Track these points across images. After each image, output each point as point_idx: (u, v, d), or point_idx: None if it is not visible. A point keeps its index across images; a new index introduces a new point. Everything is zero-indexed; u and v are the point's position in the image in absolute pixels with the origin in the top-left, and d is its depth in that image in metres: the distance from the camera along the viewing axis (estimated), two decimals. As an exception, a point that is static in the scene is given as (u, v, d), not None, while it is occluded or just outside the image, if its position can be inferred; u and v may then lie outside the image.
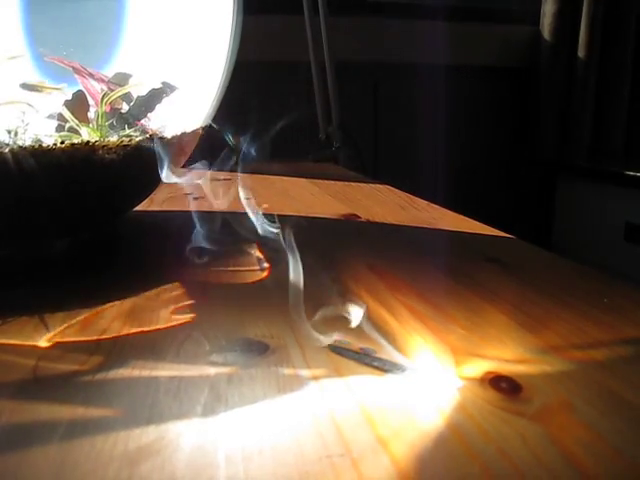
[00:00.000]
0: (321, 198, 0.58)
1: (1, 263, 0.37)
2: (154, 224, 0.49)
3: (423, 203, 0.54)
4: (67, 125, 0.37)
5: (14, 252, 0.39)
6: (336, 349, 0.22)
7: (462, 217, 0.48)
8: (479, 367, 0.21)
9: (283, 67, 1.23)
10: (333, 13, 1.19)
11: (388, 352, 0.22)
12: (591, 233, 1.50)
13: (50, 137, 0.38)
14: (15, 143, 0.34)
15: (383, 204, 0.55)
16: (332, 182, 0.69)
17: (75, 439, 0.17)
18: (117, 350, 0.23)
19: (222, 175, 0.75)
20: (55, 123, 0.40)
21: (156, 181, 0.42)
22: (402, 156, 1.56)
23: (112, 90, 0.43)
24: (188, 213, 0.52)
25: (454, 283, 0.31)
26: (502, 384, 0.19)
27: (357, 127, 1.27)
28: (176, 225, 0.49)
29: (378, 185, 0.66)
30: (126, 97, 0.43)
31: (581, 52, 1.72)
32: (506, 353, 0.22)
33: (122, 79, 0.44)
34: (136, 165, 0.37)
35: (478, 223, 0.45)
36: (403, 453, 0.16)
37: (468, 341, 0.23)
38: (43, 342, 0.24)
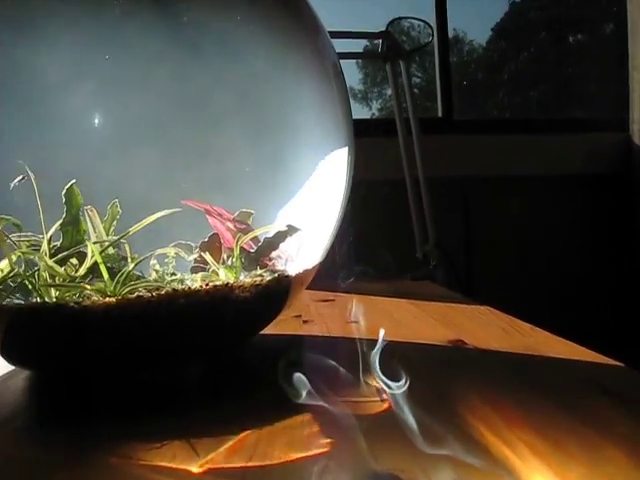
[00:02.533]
0: (425, 321, 0.61)
1: (145, 386, 0.42)
2: (270, 348, 0.53)
3: (526, 327, 0.56)
4: (208, 267, 0.43)
5: (155, 375, 0.43)
6: (465, 485, 0.24)
7: (567, 342, 0.49)
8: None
9: (378, 186, 1.30)
10: (424, 132, 1.26)
11: (514, 489, 0.24)
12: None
13: (189, 275, 0.44)
14: (169, 284, 0.39)
15: (486, 328, 0.57)
16: (433, 303, 0.72)
17: None
18: (266, 477, 0.26)
19: (326, 295, 0.80)
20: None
21: (278, 312, 0.46)
22: (496, 271, 1.56)
23: (237, 228, 0.49)
24: (301, 337, 0.56)
25: (569, 417, 0.32)
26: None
27: (449, 242, 1.30)
28: (291, 350, 0.53)
29: (478, 306, 0.68)
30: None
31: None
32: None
33: (245, 217, 0.50)
34: (265, 300, 0.42)
35: (585, 349, 0.46)
36: None
37: (590, 480, 0.25)
38: (196, 468, 0.28)
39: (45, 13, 0.47)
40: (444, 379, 0.41)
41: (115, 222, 0.46)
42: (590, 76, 2.33)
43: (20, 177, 0.41)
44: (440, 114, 1.76)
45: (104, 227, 0.46)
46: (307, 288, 0.55)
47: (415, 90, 1.98)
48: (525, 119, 2.05)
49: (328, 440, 0.30)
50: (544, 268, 1.54)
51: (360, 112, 2.21)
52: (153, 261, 0.47)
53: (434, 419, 0.33)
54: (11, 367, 0.47)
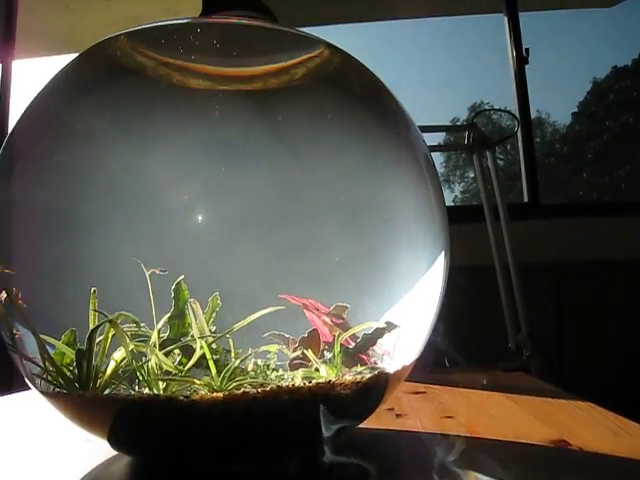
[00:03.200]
0: (523, 418, 0.59)
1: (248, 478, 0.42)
2: (366, 443, 0.53)
3: (635, 427, 0.53)
4: (310, 363, 0.44)
5: (257, 467, 0.44)
6: None
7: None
8: None
9: (468, 272, 1.28)
10: (512, 218, 1.26)
11: None
12: None
13: (290, 373, 0.45)
14: (273, 381, 0.41)
15: (591, 427, 0.54)
16: (529, 397, 0.70)
17: None
18: None
19: (417, 387, 0.79)
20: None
21: (376, 407, 0.46)
22: (591, 361, 1.49)
23: (334, 322, 0.50)
24: (396, 433, 0.55)
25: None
26: None
27: (542, 331, 1.26)
28: (388, 446, 0.53)
29: (579, 402, 0.65)
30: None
31: None
32: None
33: (341, 310, 0.51)
34: (363, 397, 0.42)
35: None
36: None
37: None
38: None
39: (158, 119, 0.51)
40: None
41: (214, 314, 0.49)
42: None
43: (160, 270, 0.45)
44: (526, 199, 1.75)
45: (205, 319, 0.48)
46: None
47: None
48: (613, 201, 2.00)
49: None
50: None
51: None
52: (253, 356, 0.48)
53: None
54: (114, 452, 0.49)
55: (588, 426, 0.55)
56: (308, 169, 0.54)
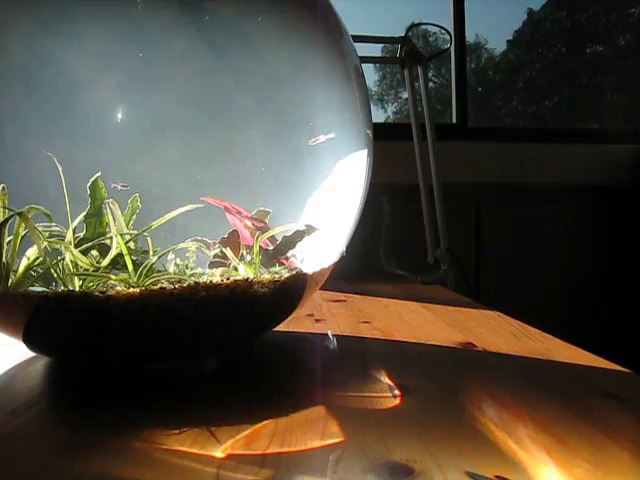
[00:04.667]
0: (436, 324, 0.62)
1: (162, 375, 0.43)
2: (284, 345, 0.54)
3: (535, 332, 0.57)
4: (228, 262, 0.44)
5: (173, 366, 0.45)
6: (474, 476, 0.25)
7: (576, 348, 0.50)
8: (607, 501, 0.23)
9: (390, 190, 1.31)
10: (438, 138, 1.27)
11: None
12: None
13: (209, 270, 0.46)
14: (191, 277, 0.41)
15: (496, 332, 0.58)
16: (443, 307, 0.73)
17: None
18: (283, 464, 0.28)
19: (337, 296, 0.81)
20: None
21: (294, 308, 0.48)
22: (506, 277, 1.57)
23: (255, 226, 0.51)
24: (314, 335, 0.57)
25: (574, 417, 0.33)
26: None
27: (460, 248, 1.31)
28: (305, 347, 0.54)
29: (488, 311, 0.69)
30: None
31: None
32: (631, 489, 0.24)
33: (263, 215, 0.52)
34: (282, 296, 0.43)
35: (593, 356, 0.47)
36: None
37: (593, 475, 0.26)
38: (218, 453, 0.29)
39: (74, 11, 0.48)
40: (454, 378, 0.42)
41: (134, 216, 0.48)
42: (606, 87, 2.33)
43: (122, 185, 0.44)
44: (455, 120, 1.77)
45: (124, 220, 0.48)
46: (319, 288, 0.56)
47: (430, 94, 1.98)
48: (539, 128, 2.06)
49: (342, 432, 0.32)
50: (555, 275, 1.54)
51: (376, 114, 2.22)
52: (172, 256, 0.48)
53: (445, 416, 0.34)
54: (31, 354, 0.49)
55: (493, 331, 0.58)
56: (234, 72, 0.53)
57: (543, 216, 1.64)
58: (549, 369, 0.45)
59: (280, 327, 0.50)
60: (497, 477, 0.25)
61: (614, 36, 2.34)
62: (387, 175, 1.34)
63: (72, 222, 0.44)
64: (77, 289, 0.41)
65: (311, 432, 0.32)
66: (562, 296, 1.55)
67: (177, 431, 0.32)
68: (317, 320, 0.64)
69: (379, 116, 2.32)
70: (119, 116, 0.49)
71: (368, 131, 0.51)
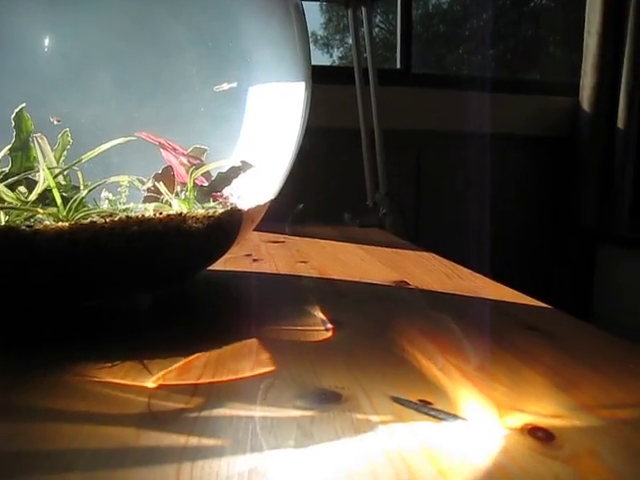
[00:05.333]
0: (371, 264, 0.63)
1: (96, 313, 0.43)
2: (221, 282, 0.54)
3: (466, 272, 0.59)
4: (162, 197, 0.43)
5: (106, 303, 0.44)
6: (398, 400, 0.27)
7: (503, 286, 0.52)
8: (519, 419, 0.25)
9: (332, 134, 1.30)
10: (382, 83, 1.27)
11: (442, 404, 0.26)
12: (632, 301, 1.50)
13: (142, 205, 0.45)
14: (123, 212, 0.40)
15: (429, 272, 0.59)
16: (379, 248, 0.74)
17: (193, 461, 0.22)
18: (214, 393, 0.28)
19: (276, 237, 0.82)
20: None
21: (229, 246, 0.48)
22: (443, 222, 1.60)
23: (191, 163, 0.50)
24: (250, 274, 0.58)
25: (496, 347, 0.35)
26: (539, 434, 0.23)
27: (400, 193, 1.32)
28: (241, 284, 0.55)
29: (423, 253, 0.71)
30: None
31: (620, 123, 1.76)
32: (542, 408, 0.26)
33: (199, 153, 0.51)
34: (216, 232, 0.43)
35: (518, 293, 0.49)
36: (459, 482, 0.20)
37: (509, 397, 0.27)
38: (150, 383, 0.29)
39: None
40: (385, 314, 0.44)
41: (65, 152, 0.46)
42: (548, 40, 2.36)
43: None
44: (399, 66, 1.76)
45: (54, 156, 0.46)
46: (258, 230, 0.56)
47: (376, 40, 1.97)
48: (480, 77, 2.07)
49: (274, 362, 0.32)
50: (490, 221, 1.58)
51: (321, 59, 2.19)
52: (105, 193, 0.47)
53: (374, 348, 0.35)
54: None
55: (427, 271, 0.60)
56: (169, 2, 0.51)
57: (483, 164, 1.67)
58: (476, 305, 0.47)
59: (217, 266, 0.50)
60: (420, 401, 0.27)
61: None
62: (331, 119, 1.34)
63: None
64: (2, 224, 0.39)
65: (243, 363, 0.32)
66: (499, 241, 1.60)
67: (109, 364, 0.32)
68: (255, 260, 0.65)
69: (324, 60, 2.28)
70: (46, 45, 0.47)
71: (306, 70, 0.51)
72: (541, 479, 0.20)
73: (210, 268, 0.50)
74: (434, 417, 0.25)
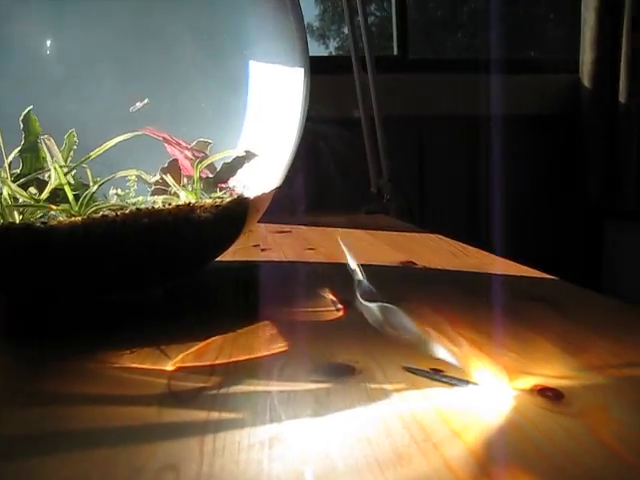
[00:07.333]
0: (378, 247, 0.64)
1: (110, 304, 0.44)
2: (231, 271, 0.55)
3: (473, 250, 0.59)
4: (170, 190, 0.44)
5: (121, 297, 0.45)
6: (411, 369, 0.27)
7: (509, 262, 0.53)
8: (528, 381, 0.26)
9: (335, 123, 1.31)
10: (380, 71, 1.27)
11: (453, 371, 0.27)
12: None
13: (150, 198, 0.46)
14: (134, 204, 0.41)
15: (436, 252, 0.60)
16: (386, 232, 0.75)
17: (215, 434, 0.22)
18: (231, 372, 0.29)
19: (282, 227, 0.82)
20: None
21: (237, 234, 0.48)
22: (447, 205, 1.61)
23: (196, 156, 0.51)
24: (260, 262, 0.59)
25: (504, 318, 0.36)
26: (548, 393, 0.24)
27: (404, 178, 1.33)
28: (251, 272, 0.56)
29: (429, 234, 0.72)
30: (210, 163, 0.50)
31: (622, 97, 1.75)
32: (551, 370, 0.27)
33: (203, 146, 0.52)
34: (225, 221, 0.43)
35: (524, 267, 0.50)
36: (474, 440, 0.21)
37: (518, 362, 0.28)
38: (169, 367, 0.30)
39: None
40: (395, 291, 0.44)
41: (72, 152, 0.47)
42: (546, 17, 2.35)
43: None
44: (395, 52, 1.76)
45: (62, 156, 0.47)
46: (264, 221, 0.56)
47: (372, 28, 1.97)
48: (478, 59, 2.06)
49: (287, 342, 0.33)
50: (494, 203, 1.59)
51: (317, 50, 2.19)
52: (113, 190, 0.48)
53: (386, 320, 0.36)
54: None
55: (433, 251, 0.61)
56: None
57: (485, 145, 1.67)
58: (483, 280, 0.47)
59: (227, 256, 0.51)
60: (432, 369, 0.27)
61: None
62: (331, 109, 1.34)
63: (7, 157, 0.43)
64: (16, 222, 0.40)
65: (258, 343, 0.33)
66: (505, 221, 1.61)
67: (128, 351, 0.33)
68: (263, 249, 0.66)
69: (321, 52, 2.29)
70: (48, 46, 0.47)
71: (304, 56, 0.51)
72: (552, 433, 0.21)
73: (219, 259, 0.51)
74: (446, 383, 0.26)
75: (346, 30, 1.27)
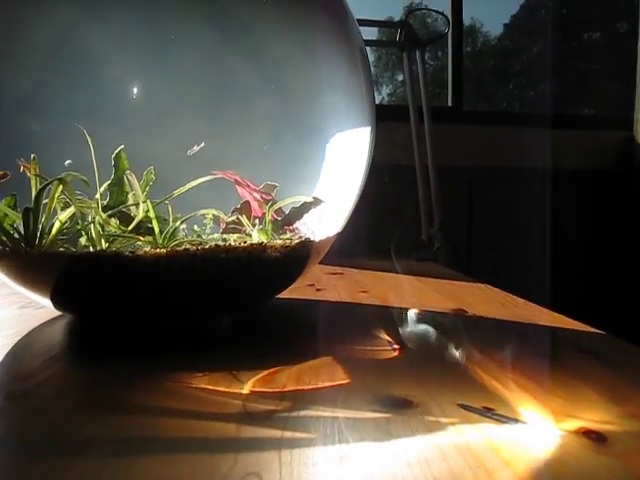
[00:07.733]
0: (429, 294, 0.67)
1: (181, 334, 0.47)
2: (290, 308, 0.59)
3: (521, 301, 0.61)
4: (243, 229, 0.48)
5: (189, 325, 0.49)
6: (464, 406, 0.30)
7: (557, 314, 0.55)
8: (574, 424, 0.28)
9: (388, 170, 1.34)
10: (435, 121, 1.31)
11: (504, 410, 0.29)
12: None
13: (225, 236, 0.50)
14: (212, 241, 0.45)
15: (485, 301, 0.62)
16: (435, 280, 0.78)
17: (291, 449, 0.25)
18: (299, 398, 0.32)
19: (335, 269, 0.86)
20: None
21: (299, 274, 0.52)
22: (496, 255, 1.62)
23: (264, 198, 0.55)
24: (316, 301, 0.62)
25: (553, 367, 0.38)
26: (592, 435, 0.27)
27: (453, 227, 1.35)
28: (309, 310, 0.59)
29: (478, 284, 0.74)
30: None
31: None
32: (595, 416, 0.29)
33: (270, 189, 0.56)
34: (291, 261, 0.47)
35: (572, 320, 0.52)
36: (522, 470, 0.23)
37: (565, 407, 0.30)
38: (243, 390, 0.33)
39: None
40: (447, 337, 0.47)
41: (148, 188, 0.52)
42: (600, 74, 2.37)
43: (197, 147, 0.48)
44: (450, 103, 1.80)
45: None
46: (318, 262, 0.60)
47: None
48: (532, 113, 2.09)
49: (348, 375, 0.36)
50: (542, 256, 1.59)
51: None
52: (183, 225, 0.52)
53: (439, 363, 0.39)
54: (51, 315, 0.52)
55: (483, 300, 0.63)
56: (243, 53, 0.56)
57: (532, 198, 1.68)
58: (532, 330, 0.49)
59: (285, 294, 0.55)
60: (485, 407, 0.30)
61: (609, 23, 2.38)
62: (384, 156, 1.38)
63: (99, 188, 0.47)
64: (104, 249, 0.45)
65: (321, 376, 0.36)
66: (550, 276, 1.60)
67: (200, 374, 0.36)
68: (318, 289, 0.69)
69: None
70: (135, 92, 0.52)
71: (371, 112, 0.55)
72: (594, 469, 0.23)
73: (278, 296, 0.54)
74: (497, 420, 0.28)
75: (399, 77, 1.31)
